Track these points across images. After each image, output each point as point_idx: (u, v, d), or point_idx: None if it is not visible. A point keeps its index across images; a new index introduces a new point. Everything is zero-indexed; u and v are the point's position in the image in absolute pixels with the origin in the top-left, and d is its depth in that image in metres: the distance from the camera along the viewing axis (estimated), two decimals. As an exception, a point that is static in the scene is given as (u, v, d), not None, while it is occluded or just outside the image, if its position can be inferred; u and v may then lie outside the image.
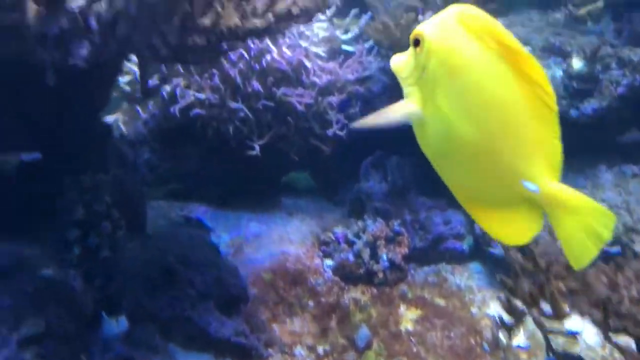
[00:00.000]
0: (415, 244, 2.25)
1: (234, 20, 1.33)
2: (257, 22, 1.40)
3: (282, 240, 2.43)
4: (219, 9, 1.33)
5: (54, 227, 1.85)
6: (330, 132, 2.45)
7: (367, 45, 2.65)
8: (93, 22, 1.48)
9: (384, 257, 2.12)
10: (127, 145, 2.54)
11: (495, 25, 0.83)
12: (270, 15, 1.40)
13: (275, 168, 2.76)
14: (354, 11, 2.71)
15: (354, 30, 2.70)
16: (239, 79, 2.39)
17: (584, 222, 0.81)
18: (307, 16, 1.59)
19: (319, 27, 2.62)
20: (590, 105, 2.19)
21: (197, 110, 2.38)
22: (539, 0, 2.91)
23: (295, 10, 1.45)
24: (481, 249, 2.25)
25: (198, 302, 1.79)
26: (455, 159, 0.88)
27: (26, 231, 1.85)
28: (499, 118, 0.84)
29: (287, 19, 1.48)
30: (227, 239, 2.51)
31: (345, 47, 2.69)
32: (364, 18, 2.66)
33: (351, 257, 2.15)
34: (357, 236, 2.21)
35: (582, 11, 2.55)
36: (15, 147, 1.89)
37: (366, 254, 2.14)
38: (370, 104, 2.57)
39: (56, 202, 1.87)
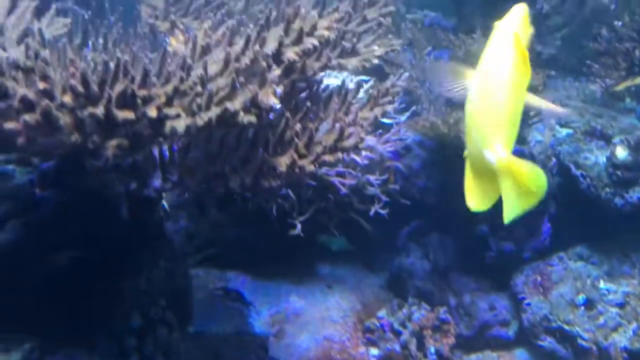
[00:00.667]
0: (460, 331, 2.25)
1: (308, 167, 1.34)
2: (326, 159, 1.42)
3: (324, 321, 2.43)
4: (295, 156, 1.34)
5: (110, 331, 1.86)
6: (372, 211, 2.44)
7: (404, 117, 2.66)
8: (166, 153, 1.50)
9: (432, 349, 2.12)
10: (170, 223, 2.55)
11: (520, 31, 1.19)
12: (339, 153, 1.41)
13: (313, 235, 2.77)
14: (390, 84, 2.72)
15: (391, 103, 2.70)
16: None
17: (522, 182, 1.11)
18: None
19: (358, 102, 2.64)
20: (635, 194, 2.20)
21: (240, 189, 2.38)
22: (573, 66, 2.92)
23: (361, 145, 1.47)
24: (526, 336, 2.25)
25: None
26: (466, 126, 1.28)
27: (80, 335, 1.85)
28: (492, 99, 1.17)
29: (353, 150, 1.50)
30: (266, 315, 2.52)
31: (383, 120, 2.69)
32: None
33: (398, 349, 2.16)
34: (403, 325, 2.21)
35: (620, 87, 2.55)
36: (68, 244, 1.90)
37: (413, 344, 2.15)
38: (410, 181, 2.58)
39: (112, 304, 1.87)
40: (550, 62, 2.75)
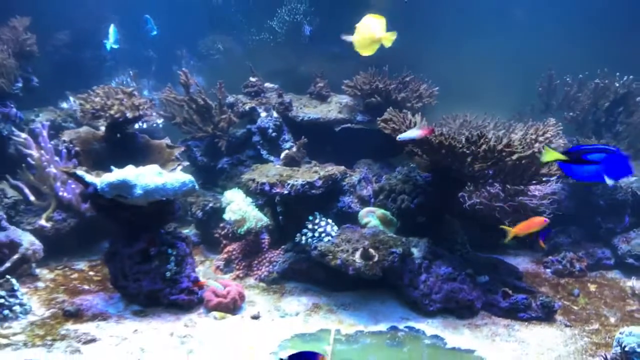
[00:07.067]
0: (588, 261, 4.45)
1: (537, 178, 3.74)
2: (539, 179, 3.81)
3: (519, 264, 4.66)
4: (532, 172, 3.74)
5: (443, 242, 4.19)
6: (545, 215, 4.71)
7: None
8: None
9: (577, 266, 4.34)
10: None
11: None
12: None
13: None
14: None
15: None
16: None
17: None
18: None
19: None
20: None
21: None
22: (636, 154, 5.18)
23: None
24: (618, 263, 4.43)
25: None
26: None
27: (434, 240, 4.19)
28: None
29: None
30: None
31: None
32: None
33: (561, 267, 4.38)
34: (562, 259, 4.43)
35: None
36: (427, 204, 4.31)
37: (568, 265, 4.35)
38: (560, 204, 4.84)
39: (441, 230, 4.21)
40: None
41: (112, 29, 5.96)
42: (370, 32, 3.15)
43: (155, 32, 6.34)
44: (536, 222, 3.34)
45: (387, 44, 3.22)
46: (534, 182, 3.80)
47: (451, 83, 5.60)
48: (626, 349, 3.02)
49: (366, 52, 3.25)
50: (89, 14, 7.19)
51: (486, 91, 6.15)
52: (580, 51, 6.40)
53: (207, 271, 4.34)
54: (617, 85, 5.23)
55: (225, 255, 4.41)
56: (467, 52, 6.49)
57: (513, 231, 3.36)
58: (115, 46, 5.90)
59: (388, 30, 3.24)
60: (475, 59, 6.47)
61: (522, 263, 4.72)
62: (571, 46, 6.49)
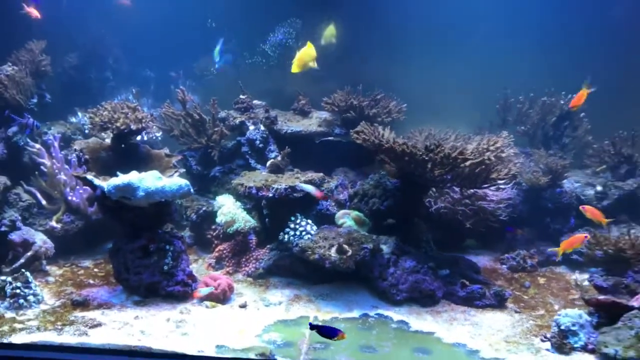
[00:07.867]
0: (539, 258, 4.86)
1: (491, 182, 4.17)
2: (496, 182, 4.24)
3: (480, 261, 5.04)
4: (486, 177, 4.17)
5: (411, 240, 4.59)
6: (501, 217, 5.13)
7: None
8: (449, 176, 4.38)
9: (529, 262, 4.75)
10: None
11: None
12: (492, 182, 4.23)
13: (466, 237, 5.41)
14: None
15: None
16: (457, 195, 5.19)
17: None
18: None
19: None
20: (606, 202, 4.87)
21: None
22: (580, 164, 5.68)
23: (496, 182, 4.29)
24: (565, 258, 4.85)
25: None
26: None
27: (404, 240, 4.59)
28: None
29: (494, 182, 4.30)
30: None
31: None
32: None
33: (515, 263, 4.78)
34: (516, 256, 4.84)
35: (598, 169, 5.30)
36: (394, 206, 4.72)
37: (522, 261, 4.76)
38: (515, 207, 5.28)
39: (409, 231, 4.63)
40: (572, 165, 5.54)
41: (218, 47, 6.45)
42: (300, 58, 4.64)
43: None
44: (579, 238, 4.16)
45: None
46: (485, 185, 4.22)
47: (419, 100, 6.06)
48: (562, 327, 3.43)
49: (295, 70, 4.65)
50: (92, 38, 7.60)
51: (451, 108, 6.61)
52: (538, 70, 6.88)
53: (200, 268, 4.68)
54: (562, 102, 5.73)
55: (217, 254, 4.76)
56: (435, 72, 6.96)
57: (561, 249, 4.23)
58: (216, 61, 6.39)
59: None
60: (442, 78, 6.93)
61: (482, 260, 5.09)
62: (530, 65, 6.98)
